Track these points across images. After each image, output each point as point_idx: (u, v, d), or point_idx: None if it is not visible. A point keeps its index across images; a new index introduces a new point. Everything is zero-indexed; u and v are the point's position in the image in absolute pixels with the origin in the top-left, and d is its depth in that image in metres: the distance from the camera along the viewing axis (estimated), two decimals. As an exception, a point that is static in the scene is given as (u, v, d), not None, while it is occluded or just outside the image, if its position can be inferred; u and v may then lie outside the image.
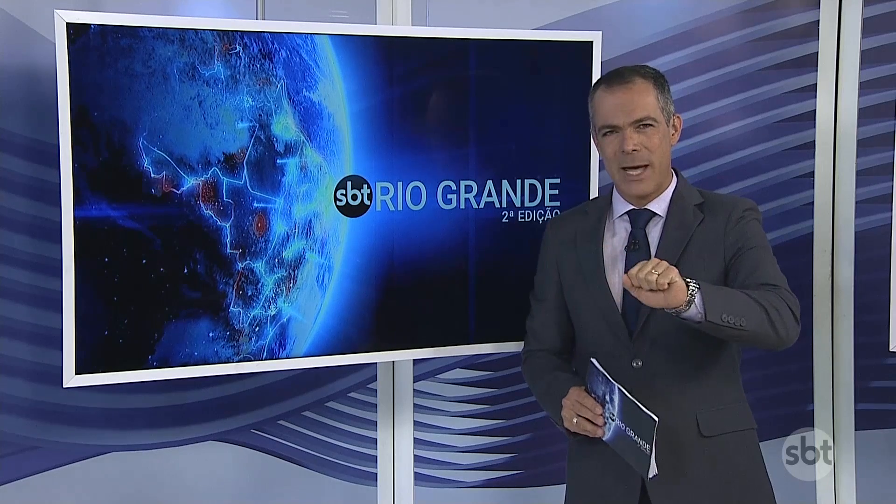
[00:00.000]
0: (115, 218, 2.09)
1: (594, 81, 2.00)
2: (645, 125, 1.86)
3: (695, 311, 1.69)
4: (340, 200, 2.27)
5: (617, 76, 1.90)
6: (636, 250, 1.91)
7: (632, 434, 1.75)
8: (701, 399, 1.88)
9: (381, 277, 2.31)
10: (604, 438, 1.82)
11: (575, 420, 1.83)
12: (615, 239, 1.95)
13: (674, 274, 1.65)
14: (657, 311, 1.79)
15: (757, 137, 2.87)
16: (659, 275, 1.64)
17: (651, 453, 1.72)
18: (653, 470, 1.74)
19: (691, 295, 1.68)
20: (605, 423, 1.80)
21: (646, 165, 1.87)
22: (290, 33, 2.19)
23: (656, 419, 1.71)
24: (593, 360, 1.81)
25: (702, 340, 1.83)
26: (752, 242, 1.88)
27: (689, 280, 1.69)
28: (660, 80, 1.91)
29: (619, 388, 1.76)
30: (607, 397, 1.79)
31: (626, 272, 1.89)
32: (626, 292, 1.88)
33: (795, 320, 1.79)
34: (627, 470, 1.84)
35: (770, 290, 1.80)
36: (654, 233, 1.92)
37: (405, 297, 2.33)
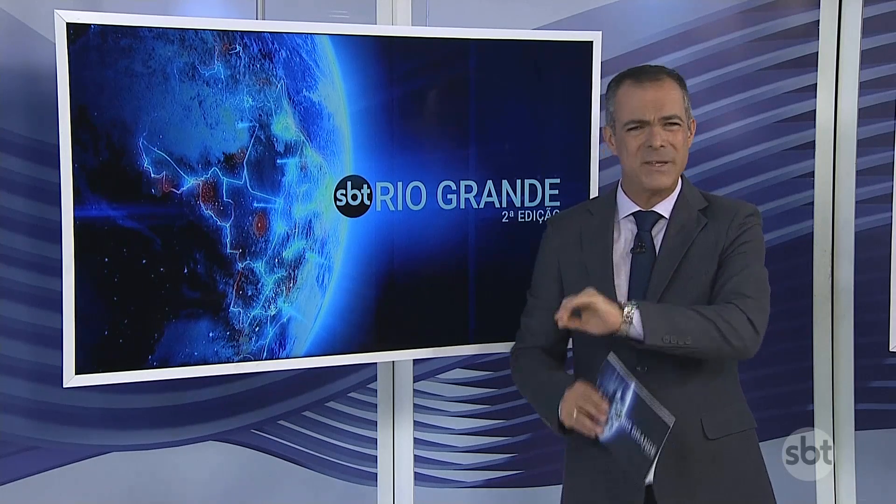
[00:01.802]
0: (115, 218, 2.09)
1: (616, 76, 1.96)
2: (672, 123, 1.86)
3: (636, 332, 1.74)
4: (340, 200, 2.27)
5: (645, 72, 1.90)
6: (642, 253, 1.90)
7: (637, 435, 1.72)
8: (705, 402, 1.87)
9: (381, 277, 2.31)
10: (600, 438, 1.79)
11: (575, 414, 1.79)
12: (620, 241, 1.94)
13: (595, 300, 1.74)
14: None
15: (757, 137, 2.87)
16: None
17: (655, 457, 1.70)
18: (650, 475, 1.73)
19: (627, 316, 1.73)
20: (607, 421, 1.77)
21: (669, 161, 1.87)
22: (290, 33, 2.19)
23: (672, 420, 1.69)
24: (611, 356, 1.79)
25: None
26: (744, 248, 1.88)
27: (626, 303, 1.76)
28: (682, 82, 1.92)
29: (635, 387, 1.73)
30: (618, 395, 1.76)
31: (631, 275, 1.89)
32: (630, 295, 1.88)
33: (754, 330, 1.80)
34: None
35: (734, 298, 1.81)
36: (660, 236, 1.91)
37: (405, 297, 2.33)
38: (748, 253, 1.88)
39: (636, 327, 1.73)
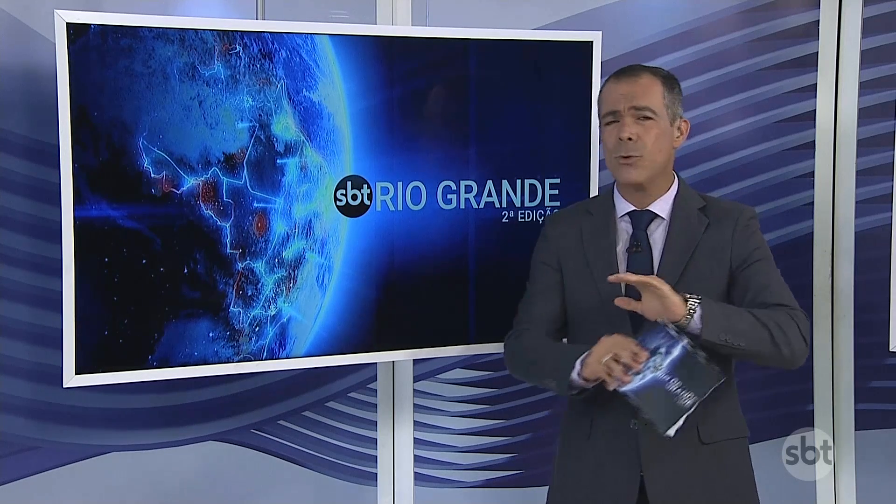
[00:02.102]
0: (115, 218, 2.09)
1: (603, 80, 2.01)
2: (645, 117, 1.85)
3: (694, 326, 1.74)
4: (340, 200, 2.27)
5: (627, 69, 1.92)
6: (638, 252, 1.89)
7: (674, 386, 1.73)
8: (702, 406, 1.86)
9: (381, 277, 2.31)
10: (622, 388, 1.74)
11: (606, 359, 1.74)
12: (618, 241, 1.93)
13: (665, 287, 1.73)
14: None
15: (757, 137, 2.87)
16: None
17: (692, 407, 1.73)
18: (675, 428, 1.74)
19: (690, 310, 1.74)
20: (639, 373, 1.74)
21: (638, 156, 1.86)
22: (290, 33, 2.19)
23: (723, 376, 1.74)
24: (663, 320, 1.76)
25: (706, 349, 1.85)
26: (759, 254, 1.89)
27: (690, 296, 1.75)
28: (669, 81, 1.91)
29: (686, 344, 1.74)
30: (661, 350, 1.75)
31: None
32: (628, 293, 1.87)
33: (804, 340, 1.82)
34: (625, 474, 1.84)
35: (782, 310, 1.82)
36: (655, 235, 1.91)
37: (405, 297, 2.33)
38: (764, 260, 1.89)
39: (696, 322, 1.74)
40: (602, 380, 1.76)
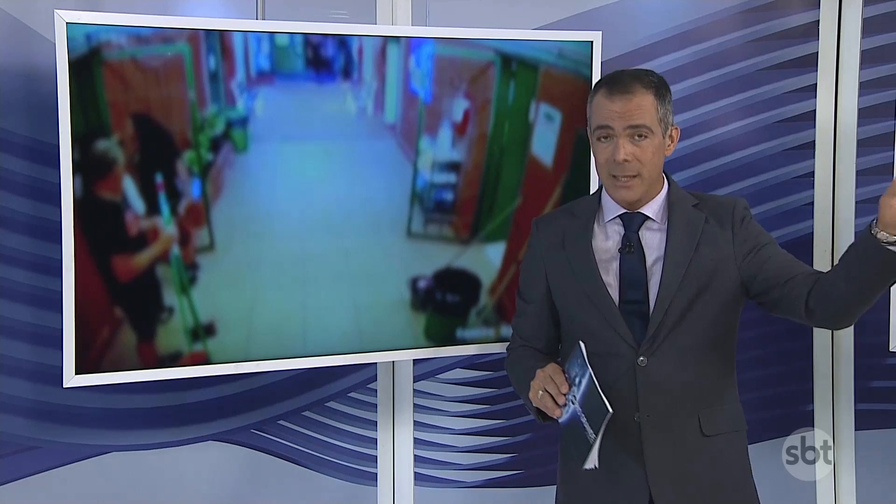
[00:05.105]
0: (116, 218, 2.09)
1: (595, 82, 1.98)
2: (640, 135, 1.83)
3: None
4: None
5: (618, 83, 1.86)
6: (630, 253, 1.89)
7: (584, 421, 1.73)
8: (703, 398, 1.88)
9: (382, 277, 2.31)
10: (560, 420, 1.79)
11: (540, 393, 1.80)
12: (609, 242, 1.92)
13: None
14: (666, 309, 1.83)
15: (757, 137, 2.87)
16: None
17: (595, 443, 1.71)
18: (591, 461, 1.73)
19: None
20: (565, 404, 1.77)
21: (635, 175, 1.85)
22: (290, 33, 2.19)
23: (610, 411, 1.69)
24: (581, 344, 1.77)
25: (708, 340, 1.85)
26: (765, 238, 1.90)
27: None
28: (661, 90, 1.87)
29: (590, 374, 1.72)
30: (577, 380, 1.76)
31: (620, 273, 1.88)
32: (622, 290, 1.87)
33: None
34: (631, 467, 1.85)
35: (811, 272, 1.85)
36: (646, 236, 1.90)
37: (406, 297, 2.33)
38: (771, 243, 1.90)
39: None
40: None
